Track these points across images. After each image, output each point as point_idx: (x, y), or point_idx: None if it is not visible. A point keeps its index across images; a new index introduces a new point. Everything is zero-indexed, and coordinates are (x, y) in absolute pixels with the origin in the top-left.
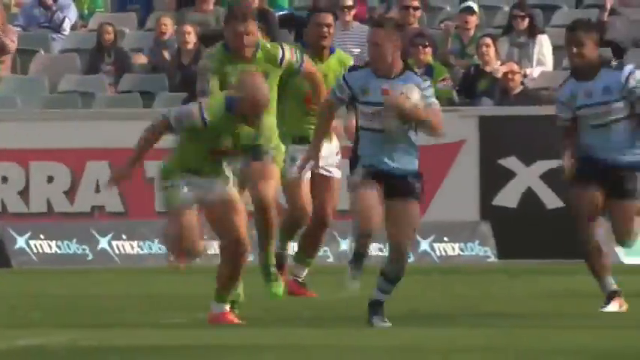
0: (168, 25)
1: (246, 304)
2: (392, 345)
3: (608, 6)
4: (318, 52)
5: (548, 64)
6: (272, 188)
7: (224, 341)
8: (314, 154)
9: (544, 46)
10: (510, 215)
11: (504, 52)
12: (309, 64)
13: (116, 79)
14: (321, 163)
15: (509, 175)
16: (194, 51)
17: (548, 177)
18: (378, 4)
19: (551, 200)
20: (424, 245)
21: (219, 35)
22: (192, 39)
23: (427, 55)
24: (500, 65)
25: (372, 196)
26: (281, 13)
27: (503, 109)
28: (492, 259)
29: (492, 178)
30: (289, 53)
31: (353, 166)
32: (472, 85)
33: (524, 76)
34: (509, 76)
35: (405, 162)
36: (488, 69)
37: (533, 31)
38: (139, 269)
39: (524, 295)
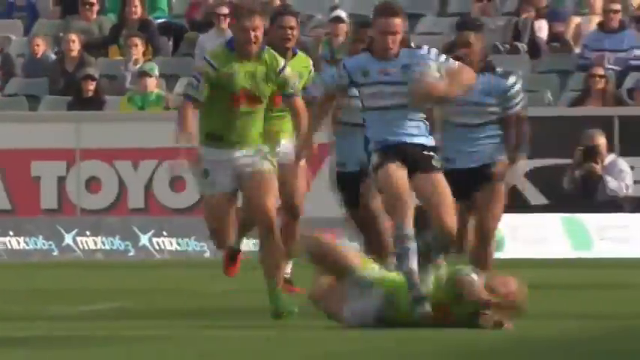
0: (41, 45)
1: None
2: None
3: (472, 14)
4: (281, 54)
5: None
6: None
7: (110, 332)
8: (308, 146)
9: None
10: None
11: None
12: (299, 101)
13: (3, 83)
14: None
15: None
16: (78, 58)
17: None
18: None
19: None
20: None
21: (103, 43)
22: (76, 47)
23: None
24: None
25: (398, 171)
26: (159, 21)
27: None
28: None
29: None
30: (290, 73)
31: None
32: None
33: None
34: None
35: (416, 135)
36: None
37: (404, 40)
38: (24, 264)
39: None
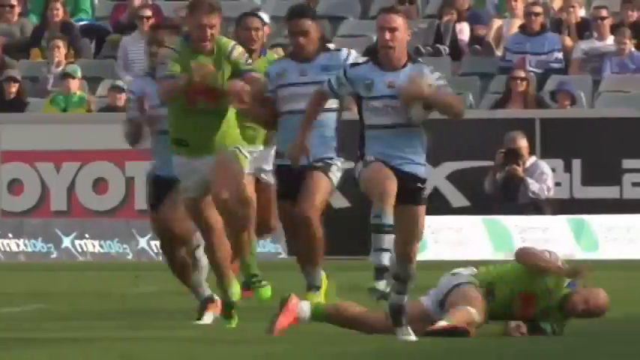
0: None
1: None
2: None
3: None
4: (250, 55)
5: None
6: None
7: (32, 334)
8: (303, 146)
9: None
10: None
11: None
12: (255, 74)
13: None
14: (260, 169)
15: None
16: None
17: None
18: (177, 15)
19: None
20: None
21: (25, 45)
22: None
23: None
24: None
25: (384, 168)
26: (82, 23)
27: None
28: (283, 255)
29: None
30: (238, 52)
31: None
32: None
33: None
34: None
35: (413, 163)
36: None
37: (322, 42)
38: None
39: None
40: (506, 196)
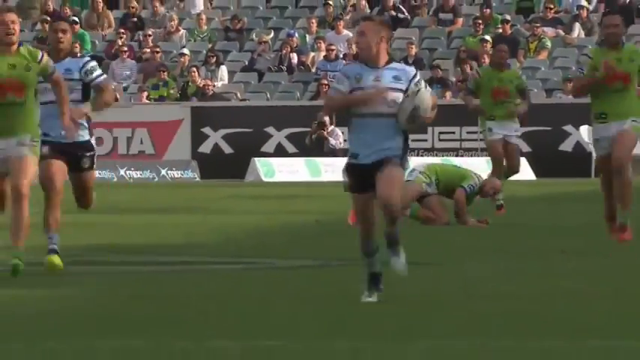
0: None
1: None
2: None
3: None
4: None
5: (225, 79)
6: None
7: None
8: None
9: (223, 70)
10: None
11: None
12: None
13: None
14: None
15: None
16: None
17: None
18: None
19: None
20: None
21: None
22: None
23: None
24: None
25: (365, 198)
26: None
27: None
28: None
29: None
30: (47, 59)
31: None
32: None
33: (214, 85)
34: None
35: (387, 149)
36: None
37: (218, 60)
38: None
39: None
40: (318, 147)
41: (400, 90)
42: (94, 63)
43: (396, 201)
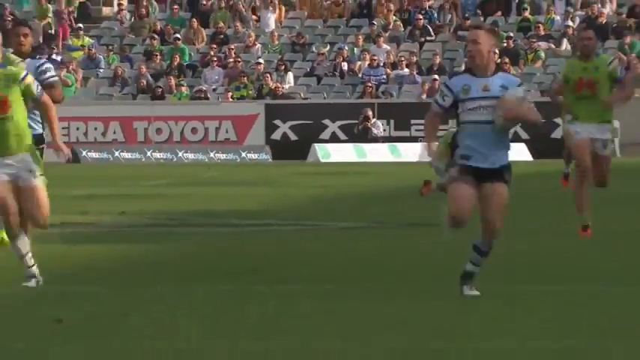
0: None
1: None
2: None
3: None
4: (19, 57)
5: (292, 83)
6: None
7: None
8: (432, 153)
9: (290, 76)
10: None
11: None
12: (47, 97)
13: None
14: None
15: None
16: None
17: None
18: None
19: None
20: None
21: None
22: None
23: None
24: None
25: (467, 187)
26: None
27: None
28: None
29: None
30: (31, 79)
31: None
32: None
33: (282, 87)
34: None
35: (497, 157)
36: None
37: (286, 68)
38: None
39: None
40: (363, 135)
41: None
42: (49, 65)
43: (500, 226)
